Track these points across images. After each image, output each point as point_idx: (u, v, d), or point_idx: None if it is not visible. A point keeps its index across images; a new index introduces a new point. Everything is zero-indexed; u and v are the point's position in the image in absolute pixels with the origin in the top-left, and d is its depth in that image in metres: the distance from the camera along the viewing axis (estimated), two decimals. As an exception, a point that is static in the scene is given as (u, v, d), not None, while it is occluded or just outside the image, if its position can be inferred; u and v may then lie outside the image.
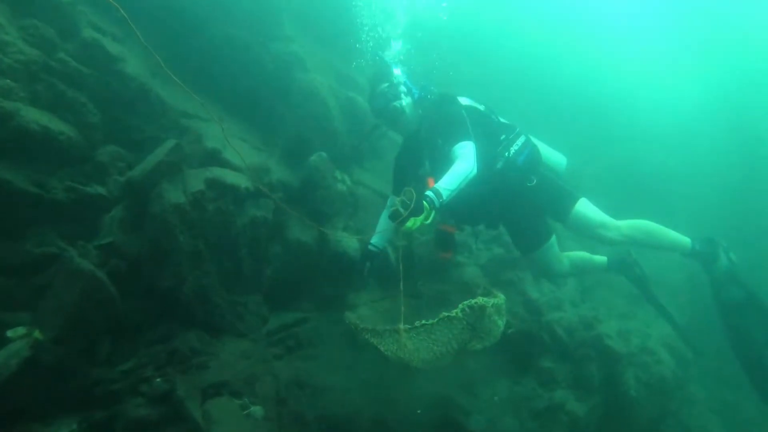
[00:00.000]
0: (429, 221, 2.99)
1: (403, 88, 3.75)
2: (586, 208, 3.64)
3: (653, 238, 3.65)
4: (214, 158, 4.12)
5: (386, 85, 3.72)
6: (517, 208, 3.76)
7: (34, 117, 3.27)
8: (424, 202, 2.94)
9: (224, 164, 4.13)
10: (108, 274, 3.27)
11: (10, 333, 2.92)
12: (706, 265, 3.61)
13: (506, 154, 3.59)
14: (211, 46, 5.21)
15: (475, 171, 3.20)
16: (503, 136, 3.68)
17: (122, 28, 4.45)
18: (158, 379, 3.16)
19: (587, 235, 3.70)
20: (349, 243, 4.69)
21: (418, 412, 3.78)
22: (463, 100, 3.86)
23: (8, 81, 3.21)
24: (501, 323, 3.06)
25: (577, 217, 3.61)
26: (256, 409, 3.32)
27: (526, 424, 4.37)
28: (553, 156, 4.10)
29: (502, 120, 3.93)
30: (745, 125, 8.02)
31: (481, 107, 3.88)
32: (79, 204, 3.49)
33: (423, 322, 2.72)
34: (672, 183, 7.86)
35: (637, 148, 8.32)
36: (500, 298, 3.05)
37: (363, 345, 3.45)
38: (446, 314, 2.71)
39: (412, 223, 2.90)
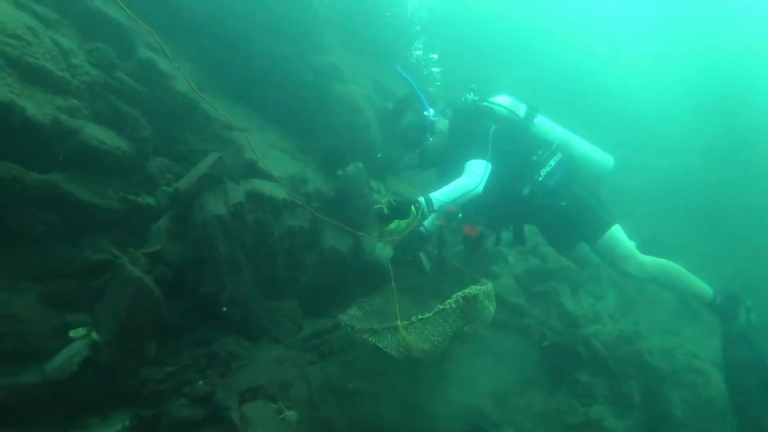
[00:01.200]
0: (413, 224, 3.04)
1: (426, 115, 3.59)
2: (615, 237, 3.51)
3: (674, 281, 3.54)
4: (253, 169, 4.31)
5: (407, 121, 3.64)
6: (545, 221, 3.75)
7: (95, 133, 3.55)
8: (413, 207, 2.98)
9: (263, 175, 4.31)
10: (155, 280, 3.50)
11: (72, 333, 3.19)
12: (722, 320, 3.49)
13: (536, 177, 3.46)
14: (254, 59, 5.44)
15: (479, 190, 3.13)
16: (535, 157, 3.54)
17: (173, 45, 4.74)
18: (200, 382, 3.36)
19: (609, 263, 3.62)
20: (383, 251, 4.80)
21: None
22: (504, 100, 3.77)
23: (74, 101, 3.49)
24: (492, 308, 3.17)
25: (604, 245, 3.50)
26: (291, 414, 3.46)
27: (560, 439, 4.33)
28: (598, 157, 3.91)
29: (539, 125, 3.77)
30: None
31: (522, 109, 3.76)
32: (130, 213, 3.76)
33: (420, 316, 2.82)
34: (718, 194, 7.54)
35: (684, 158, 8.02)
36: (488, 285, 3.16)
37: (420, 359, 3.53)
38: (441, 307, 2.80)
39: (396, 224, 2.98)
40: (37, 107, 3.02)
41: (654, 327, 5.55)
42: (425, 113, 3.58)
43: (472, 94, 3.84)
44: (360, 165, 5.10)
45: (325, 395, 3.90)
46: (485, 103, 3.83)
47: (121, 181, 3.84)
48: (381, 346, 3.01)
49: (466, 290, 2.95)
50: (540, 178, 3.46)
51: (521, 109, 3.76)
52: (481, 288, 3.01)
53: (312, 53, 5.83)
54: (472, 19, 9.24)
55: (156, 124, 4.14)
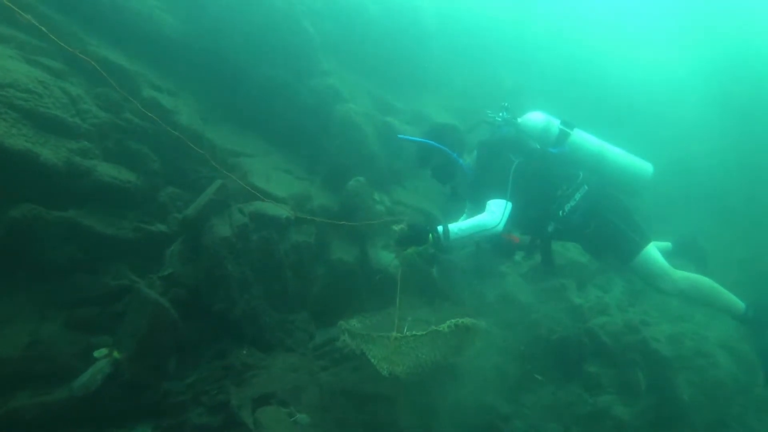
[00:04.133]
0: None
1: (453, 157, 3.69)
2: (648, 258, 3.52)
3: (706, 297, 3.58)
4: (258, 192, 4.57)
5: (434, 164, 3.76)
6: (574, 241, 3.90)
7: (107, 170, 3.89)
8: (430, 235, 3.17)
9: (267, 197, 4.56)
10: (171, 300, 3.79)
11: (96, 353, 3.50)
12: (756, 331, 3.54)
13: (560, 212, 3.52)
14: (255, 87, 5.74)
15: (498, 229, 3.23)
16: (560, 191, 3.57)
17: (176, 82, 5.10)
18: (216, 392, 3.61)
19: (643, 280, 3.69)
20: (388, 260, 4.99)
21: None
22: (537, 118, 3.77)
23: (86, 143, 3.84)
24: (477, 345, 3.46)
25: (637, 266, 3.54)
26: (302, 417, 3.67)
27: (570, 430, 4.42)
28: (635, 169, 3.85)
29: (573, 142, 3.74)
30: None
31: (556, 125, 3.74)
32: (145, 240, 4.07)
33: (414, 333, 3.04)
34: (727, 182, 7.51)
35: (690, 147, 7.99)
36: (481, 324, 3.41)
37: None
38: (434, 328, 3.05)
39: (412, 249, 3.20)
40: (52, 152, 3.37)
41: (664, 314, 5.58)
42: (451, 156, 3.67)
43: (504, 112, 3.84)
44: (362, 179, 5.33)
45: (338, 399, 4.09)
46: (518, 122, 3.81)
47: (135, 212, 4.15)
48: (370, 355, 3.22)
49: (462, 320, 3.19)
50: (563, 214, 3.52)
51: (554, 126, 3.74)
52: (474, 321, 3.26)
53: (311, 77, 6.10)
54: (473, 23, 9.39)
55: (164, 156, 4.46)
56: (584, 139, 3.79)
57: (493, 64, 9.23)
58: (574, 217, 3.52)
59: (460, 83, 8.58)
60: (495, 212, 3.27)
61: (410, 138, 3.94)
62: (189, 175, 4.66)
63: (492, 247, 4.03)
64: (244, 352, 3.97)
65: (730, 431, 4.78)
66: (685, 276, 3.56)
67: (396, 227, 3.37)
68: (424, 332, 3.04)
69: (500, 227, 3.24)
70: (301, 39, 5.89)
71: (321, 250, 4.90)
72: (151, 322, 3.64)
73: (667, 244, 4.09)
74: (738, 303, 3.54)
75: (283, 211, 4.46)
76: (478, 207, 3.48)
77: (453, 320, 3.18)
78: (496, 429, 4.15)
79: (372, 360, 3.26)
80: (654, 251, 3.57)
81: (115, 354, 3.42)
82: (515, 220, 3.49)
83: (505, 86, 9.09)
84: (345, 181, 5.33)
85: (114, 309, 3.80)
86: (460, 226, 3.26)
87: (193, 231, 4.08)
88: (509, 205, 3.31)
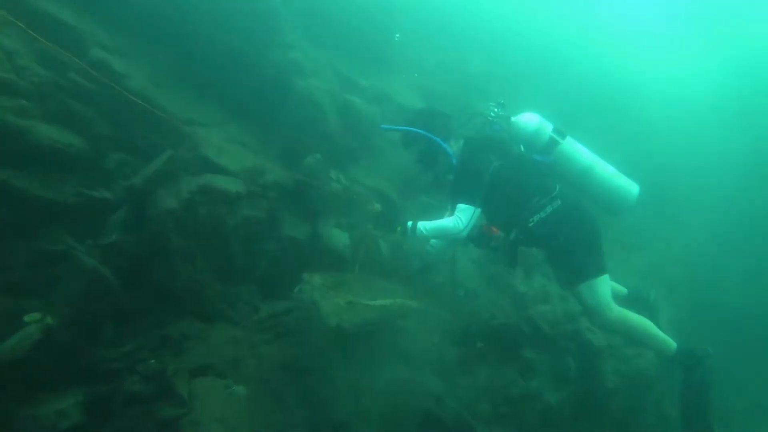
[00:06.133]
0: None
1: (437, 143, 3.66)
2: (593, 289, 3.49)
3: (640, 337, 3.61)
4: (209, 164, 4.51)
5: (418, 149, 3.75)
6: (539, 248, 3.87)
7: (46, 132, 3.75)
8: (399, 226, 3.48)
9: (219, 170, 4.51)
10: (111, 268, 3.75)
11: (26, 318, 3.44)
12: (685, 369, 3.54)
13: (528, 223, 3.50)
14: (214, 55, 5.59)
15: (462, 235, 3.38)
16: (532, 201, 3.54)
17: (128, 43, 4.92)
18: (152, 361, 3.63)
19: (582, 307, 3.70)
20: (339, 239, 5.04)
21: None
22: (530, 119, 3.70)
23: (23, 101, 3.69)
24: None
25: (580, 292, 3.54)
26: (239, 389, 3.74)
27: (499, 410, 4.63)
28: (620, 189, 3.76)
29: (563, 151, 3.68)
30: (755, 115, 7.86)
31: (549, 129, 3.68)
32: (88, 206, 3.97)
33: (365, 302, 3.42)
34: (684, 178, 7.83)
35: (649, 144, 8.24)
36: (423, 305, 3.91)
37: (348, 332, 3.84)
38: (382, 303, 3.46)
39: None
40: (-20, 109, 3.23)
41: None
42: (435, 141, 3.64)
43: (498, 108, 3.81)
44: (319, 156, 5.30)
45: (277, 372, 4.16)
46: (510, 121, 3.76)
47: (78, 177, 4.03)
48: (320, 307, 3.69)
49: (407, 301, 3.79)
50: (530, 224, 3.51)
51: (546, 132, 3.67)
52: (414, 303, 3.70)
53: (273, 49, 5.97)
54: (444, 4, 9.32)
55: (113, 121, 4.33)
56: (575, 150, 3.73)
57: (462, 47, 9.24)
58: (540, 230, 3.52)
59: (428, 64, 8.56)
60: (461, 219, 3.41)
61: (393, 128, 3.89)
62: (139, 142, 4.55)
63: (470, 236, 3.94)
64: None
65: (646, 415, 5.12)
66: (623, 317, 3.54)
67: (377, 206, 3.87)
68: (374, 303, 3.24)
69: (464, 233, 3.41)
70: (264, 8, 5.74)
71: (272, 226, 4.89)
72: (87, 289, 3.62)
73: (623, 290, 4.13)
74: (671, 344, 3.56)
75: (233, 185, 4.42)
76: (450, 202, 3.63)
77: (399, 299, 3.62)
78: (426, 408, 4.29)
79: (321, 313, 3.59)
80: (603, 285, 3.53)
81: (48, 319, 3.38)
82: (489, 218, 3.62)
83: (472, 70, 9.12)
84: (301, 157, 5.30)
85: (50, 274, 3.73)
86: (428, 226, 3.47)
87: (139, 200, 4.02)
88: (478, 211, 3.45)
